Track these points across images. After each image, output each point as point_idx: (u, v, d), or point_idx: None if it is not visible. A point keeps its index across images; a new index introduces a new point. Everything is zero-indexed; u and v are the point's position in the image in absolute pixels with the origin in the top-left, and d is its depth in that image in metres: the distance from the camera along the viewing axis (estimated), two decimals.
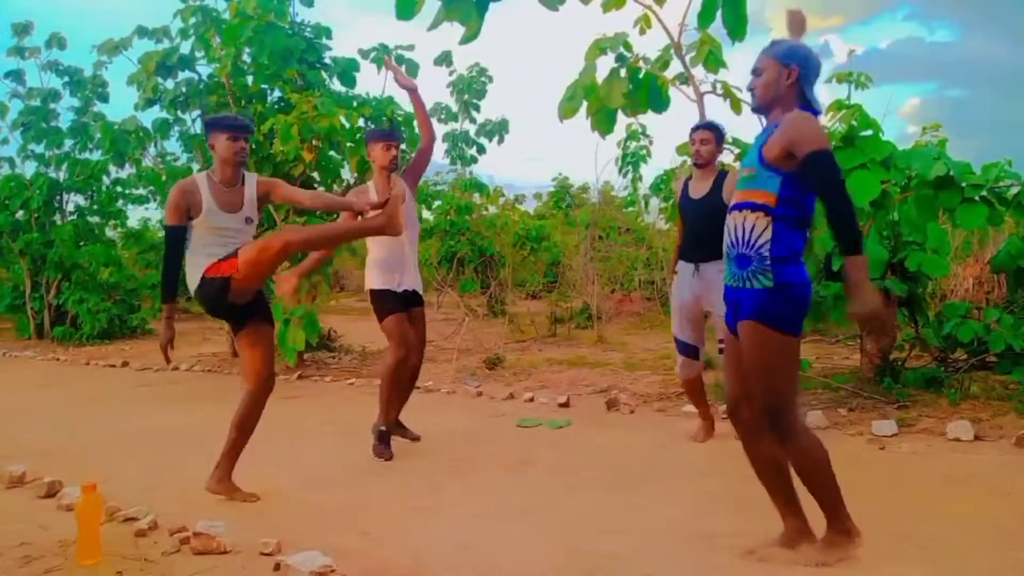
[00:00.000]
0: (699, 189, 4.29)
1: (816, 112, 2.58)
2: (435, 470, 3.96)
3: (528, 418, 5.15)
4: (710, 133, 4.30)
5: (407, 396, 4.49)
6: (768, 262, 2.49)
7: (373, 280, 4.32)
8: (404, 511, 3.31)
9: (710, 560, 2.69)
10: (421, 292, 4.48)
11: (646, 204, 14.74)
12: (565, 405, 5.51)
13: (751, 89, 2.65)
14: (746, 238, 2.54)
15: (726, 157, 5.03)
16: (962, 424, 4.28)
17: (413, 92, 4.43)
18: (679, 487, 3.58)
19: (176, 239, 3.32)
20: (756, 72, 2.64)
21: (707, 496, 3.41)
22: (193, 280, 3.37)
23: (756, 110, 2.69)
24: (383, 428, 4.26)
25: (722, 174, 4.26)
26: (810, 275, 2.59)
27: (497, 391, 6.07)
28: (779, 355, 2.49)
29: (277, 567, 2.55)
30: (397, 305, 4.28)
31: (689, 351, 4.38)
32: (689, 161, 6.14)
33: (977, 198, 4.71)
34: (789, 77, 2.56)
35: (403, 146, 4.65)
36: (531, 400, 5.73)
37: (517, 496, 3.49)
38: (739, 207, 2.59)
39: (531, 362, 7.42)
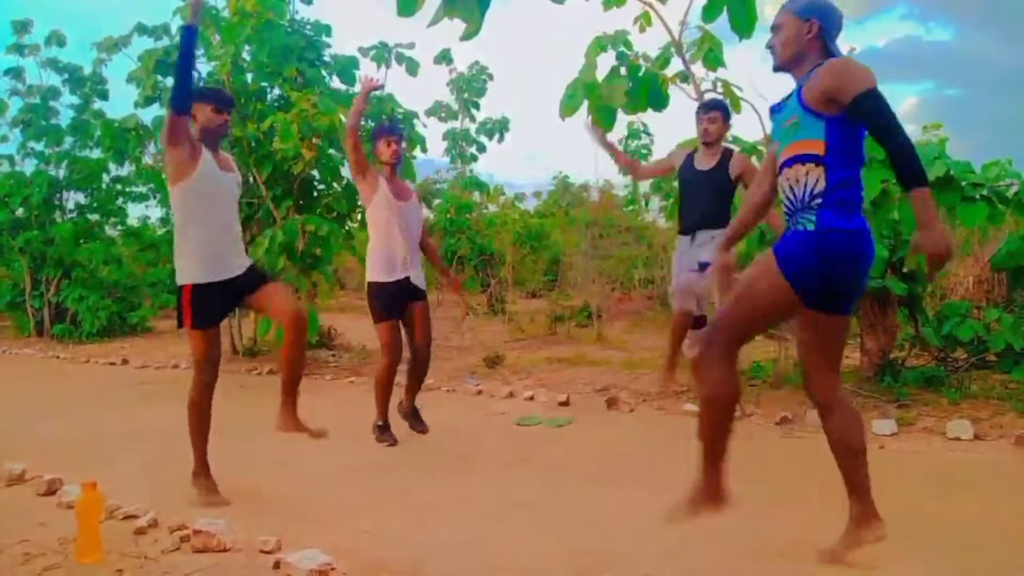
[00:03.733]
0: (706, 162, 4.41)
1: None
2: (435, 468, 3.96)
3: (528, 416, 5.15)
4: (717, 112, 4.44)
5: (418, 385, 4.63)
6: (814, 207, 2.40)
7: (371, 271, 4.42)
8: (404, 509, 3.31)
9: (710, 557, 2.69)
10: (423, 287, 4.53)
11: (646, 203, 14.76)
12: (565, 404, 5.51)
13: (770, 47, 2.56)
14: (801, 193, 2.44)
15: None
16: (962, 423, 4.28)
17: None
18: (680, 485, 3.56)
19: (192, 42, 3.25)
20: (776, 30, 2.53)
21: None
22: (183, 272, 3.41)
23: (778, 69, 2.57)
24: (380, 423, 4.50)
25: (728, 151, 4.39)
26: (870, 227, 2.47)
27: (497, 390, 6.07)
28: (764, 291, 2.43)
29: (277, 565, 2.55)
30: (392, 309, 4.39)
31: (700, 323, 4.38)
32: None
33: (978, 197, 4.71)
34: (810, 31, 2.46)
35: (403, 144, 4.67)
36: (531, 399, 5.73)
37: (517, 494, 3.49)
38: (790, 163, 2.48)
39: (531, 361, 7.42)
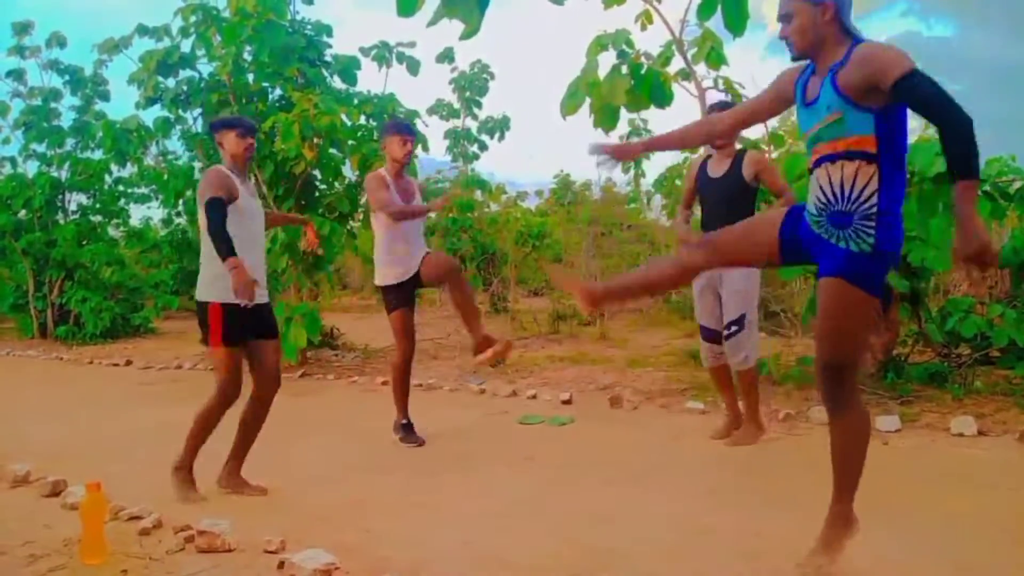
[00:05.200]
0: (718, 168, 4.20)
1: (862, 41, 2.34)
2: (438, 467, 3.96)
3: (530, 415, 5.15)
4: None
5: (473, 310, 4.44)
6: (872, 221, 2.28)
7: (380, 276, 4.47)
8: (407, 508, 3.32)
9: (713, 556, 2.69)
10: (425, 248, 4.56)
11: (648, 201, 14.75)
12: (568, 402, 5.51)
13: (784, 37, 2.43)
14: (847, 192, 2.31)
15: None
16: (965, 419, 4.27)
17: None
18: (682, 483, 3.57)
19: (223, 210, 3.33)
20: (786, 18, 2.41)
21: (710, 492, 3.41)
22: (202, 291, 3.46)
23: (797, 59, 2.46)
24: (404, 422, 4.47)
25: (741, 153, 4.20)
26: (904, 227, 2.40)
27: (500, 388, 6.07)
28: (863, 314, 2.36)
29: (281, 565, 2.55)
30: (404, 298, 4.42)
31: (711, 336, 4.28)
32: (691, 156, 6.15)
33: (980, 192, 4.70)
34: (825, 14, 2.34)
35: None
36: (534, 397, 5.73)
37: (520, 492, 3.49)
38: (829, 159, 2.34)
39: (534, 359, 7.42)
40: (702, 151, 5.52)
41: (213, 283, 3.40)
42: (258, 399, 3.58)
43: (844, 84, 2.27)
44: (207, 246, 3.38)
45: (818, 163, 2.40)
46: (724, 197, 4.12)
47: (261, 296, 3.49)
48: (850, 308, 2.36)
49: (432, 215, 12.85)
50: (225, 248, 3.25)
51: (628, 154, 3.02)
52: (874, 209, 2.29)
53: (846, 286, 2.35)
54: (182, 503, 3.35)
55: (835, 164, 2.34)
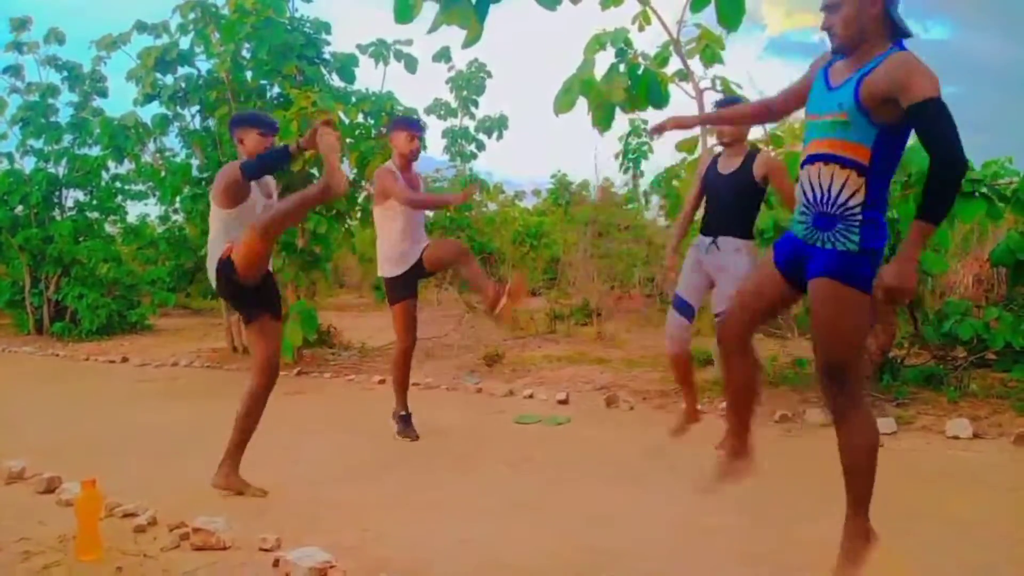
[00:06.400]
0: (728, 165, 4.14)
1: (909, 35, 2.28)
2: (434, 466, 3.96)
3: (527, 415, 5.15)
4: None
5: (480, 273, 4.40)
6: (856, 223, 2.27)
7: (384, 267, 4.52)
8: (403, 507, 3.31)
9: (711, 555, 2.69)
10: (426, 239, 4.57)
11: (646, 201, 14.75)
12: (564, 402, 5.52)
13: (828, 28, 2.31)
14: (833, 197, 2.29)
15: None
16: (961, 422, 4.28)
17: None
18: (679, 483, 3.58)
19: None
20: (831, 8, 2.29)
21: (708, 492, 3.41)
22: (213, 262, 3.48)
23: (838, 51, 2.34)
24: (403, 413, 4.52)
25: (752, 153, 4.16)
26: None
27: (496, 388, 6.07)
28: (856, 313, 2.33)
29: (276, 563, 2.55)
30: (407, 288, 4.48)
31: (683, 308, 4.10)
32: (689, 157, 6.15)
33: (976, 194, 4.72)
34: (875, 5, 2.23)
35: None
36: (530, 397, 5.73)
37: (517, 492, 3.49)
38: (823, 158, 2.31)
39: (530, 359, 7.42)
40: (700, 151, 5.52)
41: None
42: (252, 390, 3.54)
43: (866, 92, 2.21)
44: (215, 243, 3.45)
45: (811, 159, 2.37)
46: (732, 195, 4.09)
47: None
48: (842, 307, 2.33)
49: (429, 213, 12.87)
50: (278, 151, 3.34)
51: (683, 125, 3.16)
52: (859, 217, 2.28)
53: (835, 285, 2.33)
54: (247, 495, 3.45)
55: (828, 166, 2.31)
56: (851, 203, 2.28)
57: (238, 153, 3.60)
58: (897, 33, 2.28)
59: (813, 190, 2.35)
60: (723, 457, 2.78)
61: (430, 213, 13.01)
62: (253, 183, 3.46)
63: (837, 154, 2.28)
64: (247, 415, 3.51)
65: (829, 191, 2.31)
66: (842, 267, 2.32)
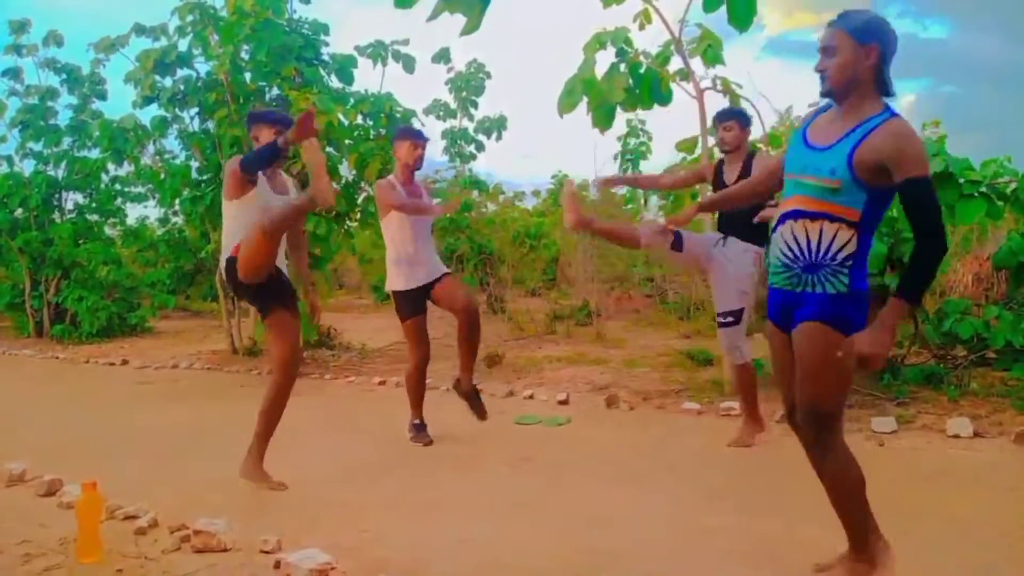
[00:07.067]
0: (731, 174, 4.27)
1: (891, 95, 2.29)
2: (434, 467, 3.96)
3: (527, 415, 5.15)
4: (732, 121, 4.32)
5: (472, 355, 4.57)
6: (845, 268, 2.27)
7: (393, 282, 4.52)
8: (403, 508, 3.31)
9: (710, 556, 2.69)
10: (442, 268, 4.61)
11: (645, 201, 14.73)
12: (564, 403, 5.51)
13: (821, 71, 2.31)
14: (822, 250, 2.28)
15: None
16: (961, 421, 4.28)
17: None
18: (679, 483, 3.58)
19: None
20: (828, 51, 2.29)
21: (707, 492, 3.41)
22: (223, 258, 3.60)
23: (827, 94, 2.34)
24: (416, 422, 4.56)
25: (750, 156, 4.25)
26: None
27: (496, 389, 6.07)
28: (842, 359, 2.28)
29: (277, 565, 2.55)
30: (417, 306, 4.50)
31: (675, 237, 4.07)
32: (688, 157, 6.16)
33: (976, 194, 4.72)
34: (868, 57, 2.23)
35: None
36: (530, 397, 5.73)
37: (517, 492, 3.49)
38: (811, 216, 2.29)
39: (530, 360, 7.42)
40: (699, 151, 5.52)
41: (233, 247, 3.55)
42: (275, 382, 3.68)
43: (860, 162, 2.20)
44: (228, 236, 3.57)
45: (795, 215, 2.33)
46: None
47: (281, 263, 3.65)
48: (829, 352, 2.28)
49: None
50: (268, 148, 3.38)
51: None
52: (849, 263, 2.27)
53: (824, 329, 2.29)
54: (252, 480, 3.59)
55: (814, 222, 2.28)
56: (841, 254, 2.27)
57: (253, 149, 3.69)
58: (885, 90, 2.29)
59: (800, 245, 2.32)
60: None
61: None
62: (263, 179, 3.55)
63: (825, 212, 2.27)
64: (267, 409, 3.65)
65: (819, 245, 2.28)
66: (832, 311, 2.29)
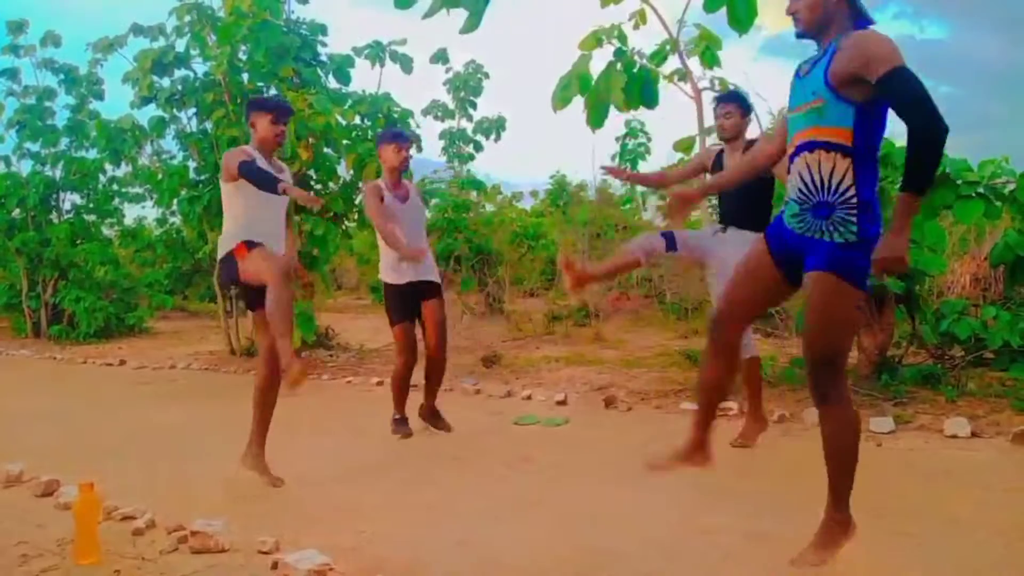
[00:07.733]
0: (731, 160, 4.17)
1: (871, 22, 2.33)
2: (432, 468, 3.95)
3: (525, 416, 5.15)
4: (731, 105, 4.18)
5: (435, 388, 4.68)
6: (854, 210, 2.29)
7: (382, 272, 4.59)
8: (401, 509, 3.31)
9: (710, 555, 2.69)
10: (436, 280, 4.63)
11: (644, 202, 14.75)
12: (563, 403, 5.51)
13: (793, 13, 2.37)
14: (826, 183, 2.31)
15: None
16: (959, 421, 4.28)
17: None
18: (678, 483, 3.57)
19: (253, 166, 3.45)
20: None
21: (706, 492, 3.41)
22: (223, 249, 3.60)
23: (801, 35, 2.39)
24: (397, 416, 4.61)
25: (750, 144, 4.13)
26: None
27: (495, 389, 6.07)
28: (849, 308, 2.37)
29: (275, 565, 2.54)
30: (405, 310, 4.53)
31: (668, 238, 4.11)
32: (686, 157, 6.15)
33: (974, 194, 4.72)
34: None
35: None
36: (529, 398, 5.73)
37: (515, 493, 3.48)
38: (808, 147, 2.34)
39: (529, 360, 7.42)
40: (697, 150, 5.51)
41: (236, 237, 3.57)
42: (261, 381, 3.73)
43: (833, 72, 2.25)
44: (228, 218, 3.61)
45: (798, 151, 2.41)
46: (740, 189, 4.08)
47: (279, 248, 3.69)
48: (840, 301, 2.37)
49: (428, 214, 12.85)
50: (270, 181, 3.36)
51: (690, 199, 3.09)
52: (855, 200, 2.31)
53: (834, 279, 2.36)
54: (253, 471, 3.65)
55: (813, 154, 2.34)
56: (843, 186, 2.31)
57: (250, 136, 3.70)
58: (859, 19, 2.32)
59: (803, 180, 2.38)
60: (683, 446, 2.78)
61: (428, 213, 13.02)
62: (262, 161, 3.58)
63: (819, 139, 2.32)
64: (257, 400, 3.70)
65: (822, 180, 2.34)
66: (842, 260, 2.34)
